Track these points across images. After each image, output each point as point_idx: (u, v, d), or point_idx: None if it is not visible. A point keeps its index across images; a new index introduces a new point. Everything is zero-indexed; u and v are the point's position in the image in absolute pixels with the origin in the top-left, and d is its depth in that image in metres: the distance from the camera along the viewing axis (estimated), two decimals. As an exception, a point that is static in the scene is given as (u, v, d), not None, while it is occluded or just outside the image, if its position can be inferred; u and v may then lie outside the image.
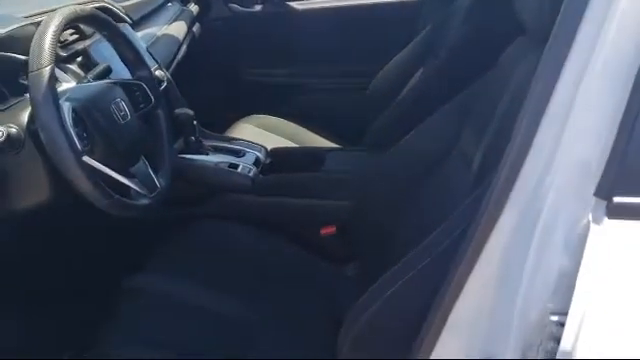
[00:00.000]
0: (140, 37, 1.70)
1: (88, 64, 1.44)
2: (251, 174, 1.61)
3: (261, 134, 2.07)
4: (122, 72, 1.38)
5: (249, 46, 2.31)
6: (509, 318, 0.73)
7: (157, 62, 1.62)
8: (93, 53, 1.46)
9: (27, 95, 1.21)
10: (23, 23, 1.25)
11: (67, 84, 1.24)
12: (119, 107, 1.18)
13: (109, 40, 1.28)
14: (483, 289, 0.78)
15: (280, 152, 1.81)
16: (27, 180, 1.14)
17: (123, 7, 1.69)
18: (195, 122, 1.61)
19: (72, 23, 1.12)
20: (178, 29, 1.96)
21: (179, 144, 1.61)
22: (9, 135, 1.05)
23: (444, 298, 0.81)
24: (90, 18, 1.19)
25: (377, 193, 1.51)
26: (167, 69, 1.70)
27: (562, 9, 0.67)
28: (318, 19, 2.32)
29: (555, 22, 0.68)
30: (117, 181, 1.14)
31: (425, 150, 1.39)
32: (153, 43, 1.77)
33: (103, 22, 1.23)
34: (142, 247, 1.44)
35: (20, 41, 1.26)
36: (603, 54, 0.64)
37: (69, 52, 1.38)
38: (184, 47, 1.97)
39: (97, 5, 1.54)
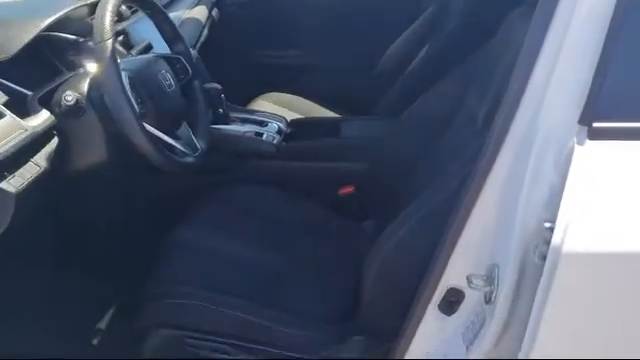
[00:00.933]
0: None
1: (128, 42, 1.60)
2: (275, 141, 1.76)
3: (277, 110, 2.22)
4: (160, 49, 1.54)
5: (263, 28, 2.46)
6: (510, 231, 0.88)
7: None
8: (132, 33, 1.62)
9: (81, 69, 1.38)
10: (75, 5, 1.41)
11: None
12: (165, 77, 1.34)
13: (151, 17, 1.43)
14: (488, 212, 0.94)
15: (299, 122, 1.97)
16: (86, 142, 1.30)
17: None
18: (223, 96, 1.76)
19: (124, 2, 1.27)
20: (200, 13, 2.11)
21: (209, 116, 1.77)
22: (76, 101, 1.21)
23: (454, 224, 0.97)
24: (138, -2, 1.35)
25: (391, 155, 1.67)
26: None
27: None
28: (328, 2, 2.46)
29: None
30: (165, 142, 1.30)
31: (434, 113, 1.55)
32: (179, 25, 1.92)
33: (147, 1, 1.38)
34: (181, 208, 1.60)
35: (73, 22, 1.43)
36: (585, 6, 0.80)
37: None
38: (206, 30, 2.12)
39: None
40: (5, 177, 1.11)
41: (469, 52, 1.48)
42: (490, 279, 0.92)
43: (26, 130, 1.16)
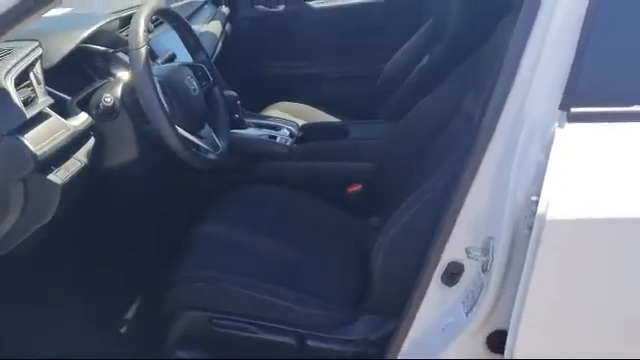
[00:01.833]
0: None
1: (152, 53, 1.74)
2: (288, 144, 1.90)
3: (286, 118, 2.36)
4: (183, 58, 1.68)
5: (272, 41, 2.61)
6: (503, 207, 1.01)
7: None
8: (155, 44, 1.76)
9: (111, 78, 1.52)
10: (109, 19, 1.55)
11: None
12: (190, 83, 1.48)
13: (176, 29, 1.58)
14: (483, 191, 1.06)
15: (310, 126, 2.11)
16: (119, 142, 1.44)
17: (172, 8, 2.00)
18: (239, 102, 1.90)
19: (154, 15, 1.42)
20: (215, 27, 2.27)
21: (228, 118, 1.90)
22: (114, 103, 1.35)
23: (453, 203, 1.10)
24: (166, 11, 1.50)
25: (395, 155, 1.80)
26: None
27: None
28: (334, 16, 2.62)
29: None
30: (191, 140, 1.43)
31: (434, 114, 1.68)
32: (197, 39, 2.07)
33: (174, 14, 1.53)
34: (202, 205, 1.73)
35: (104, 34, 1.57)
36: (562, 10, 0.94)
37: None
38: (220, 43, 2.28)
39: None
40: (52, 170, 1.24)
41: (465, 54, 1.61)
42: (486, 250, 1.05)
43: (69, 129, 1.29)
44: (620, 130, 0.95)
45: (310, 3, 2.63)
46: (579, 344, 0.99)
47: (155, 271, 1.56)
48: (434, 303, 1.17)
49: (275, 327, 1.39)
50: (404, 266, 1.27)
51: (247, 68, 2.58)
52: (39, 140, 1.19)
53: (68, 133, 1.28)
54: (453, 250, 1.12)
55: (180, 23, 1.56)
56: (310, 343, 1.38)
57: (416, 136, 1.73)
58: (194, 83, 1.49)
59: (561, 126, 0.95)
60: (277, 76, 2.64)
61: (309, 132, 2.03)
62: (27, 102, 1.23)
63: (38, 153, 1.15)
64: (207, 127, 1.56)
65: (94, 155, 1.38)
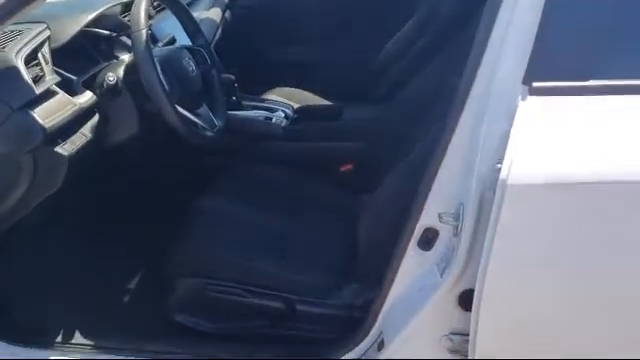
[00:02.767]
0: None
1: (153, 37, 1.83)
2: (283, 124, 1.99)
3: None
4: (183, 42, 1.77)
5: (270, 28, 2.69)
6: (472, 174, 1.10)
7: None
8: (156, 29, 1.85)
9: (114, 60, 1.61)
10: (112, 4, 1.64)
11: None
12: (189, 64, 1.57)
13: (176, 14, 1.67)
14: (455, 161, 1.15)
15: (304, 109, 2.20)
16: (122, 118, 1.53)
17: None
18: (236, 85, 1.99)
19: (155, 0, 1.51)
20: (215, 14, 2.35)
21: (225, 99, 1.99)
22: (117, 82, 1.44)
23: (428, 173, 1.19)
24: (166, -4, 1.59)
25: (385, 134, 1.89)
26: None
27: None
28: (329, 4, 2.70)
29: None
30: (189, 118, 1.53)
31: (423, 94, 1.77)
32: (198, 25, 2.16)
33: (175, 0, 1.62)
34: (200, 183, 1.82)
35: (107, 19, 1.66)
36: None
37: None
38: (220, 29, 2.36)
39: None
40: (59, 143, 1.33)
41: (450, 38, 1.69)
42: (457, 215, 1.14)
43: (75, 105, 1.39)
44: (578, 103, 1.04)
45: (308, -10, 2.70)
46: (539, 298, 1.09)
47: (155, 240, 1.66)
48: (412, 267, 1.26)
49: (267, 293, 1.49)
50: (387, 233, 1.36)
51: (246, 54, 2.65)
52: (47, 114, 1.28)
53: (74, 109, 1.38)
54: (429, 216, 1.21)
55: (179, 8, 1.65)
56: (299, 307, 1.48)
57: (405, 116, 1.81)
58: (192, 64, 1.58)
59: (524, 99, 1.03)
60: (274, 62, 2.71)
61: (304, 114, 2.12)
62: (36, 80, 1.32)
63: (47, 126, 1.25)
64: (205, 107, 1.65)
65: (98, 130, 1.47)
